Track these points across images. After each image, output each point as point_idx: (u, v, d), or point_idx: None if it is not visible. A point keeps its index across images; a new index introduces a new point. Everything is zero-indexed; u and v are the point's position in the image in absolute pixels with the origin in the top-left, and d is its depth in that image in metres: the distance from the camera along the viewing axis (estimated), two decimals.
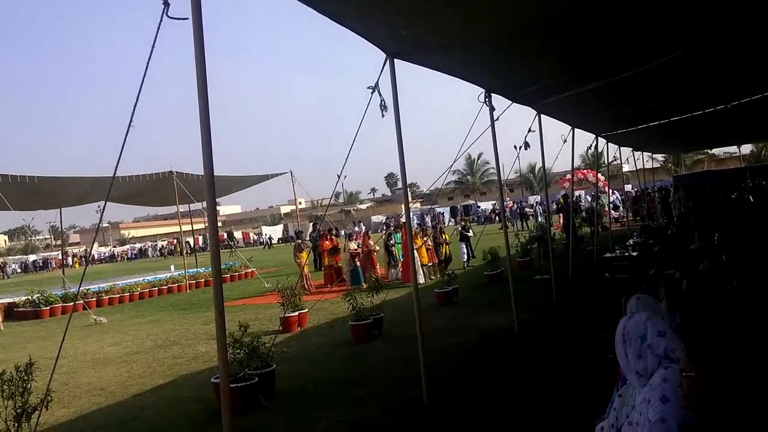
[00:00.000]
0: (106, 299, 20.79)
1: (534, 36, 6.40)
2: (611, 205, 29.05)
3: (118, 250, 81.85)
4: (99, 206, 29.77)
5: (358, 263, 17.54)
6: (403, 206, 7.74)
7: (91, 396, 8.52)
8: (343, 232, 21.42)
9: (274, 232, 75.75)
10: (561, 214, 25.85)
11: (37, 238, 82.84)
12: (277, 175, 27.68)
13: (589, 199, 35.81)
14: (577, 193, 36.12)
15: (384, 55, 6.35)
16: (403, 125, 6.58)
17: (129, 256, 75.78)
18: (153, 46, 4.31)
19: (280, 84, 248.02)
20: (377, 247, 18.30)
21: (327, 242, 19.36)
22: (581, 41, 6.97)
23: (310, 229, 24.99)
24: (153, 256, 70.41)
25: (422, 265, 17.00)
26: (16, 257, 74.13)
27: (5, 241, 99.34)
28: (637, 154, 25.79)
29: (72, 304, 17.73)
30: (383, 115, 6.38)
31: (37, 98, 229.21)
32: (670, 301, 4.45)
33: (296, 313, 11.65)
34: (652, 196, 29.13)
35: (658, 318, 2.96)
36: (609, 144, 19.09)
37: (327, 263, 19.14)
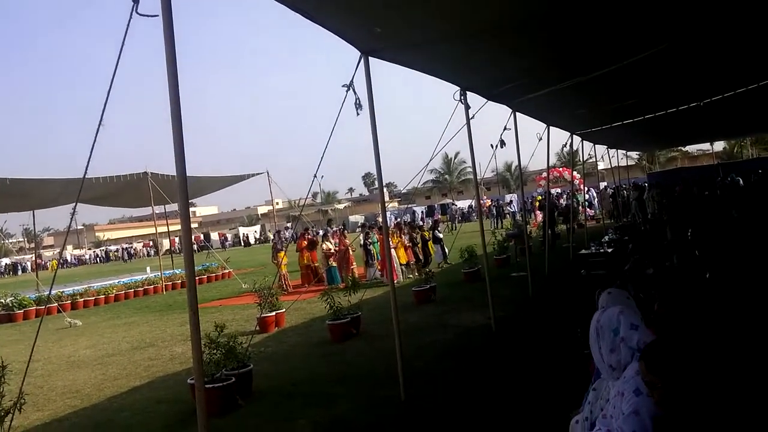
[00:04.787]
0: (81, 302, 20.42)
1: (507, 33, 6.43)
2: (586, 202, 29.30)
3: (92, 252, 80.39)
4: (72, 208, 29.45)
5: (333, 263, 17.49)
6: (380, 205, 7.72)
7: (66, 399, 8.38)
8: (321, 232, 21.23)
9: (251, 232, 75.27)
10: (539, 212, 26.04)
11: (11, 241, 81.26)
12: (253, 175, 27.30)
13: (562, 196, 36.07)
14: (554, 190, 36.40)
15: (358, 53, 6.34)
16: (379, 124, 6.56)
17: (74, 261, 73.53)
18: (123, 44, 4.23)
19: (254, 83, 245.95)
20: (354, 247, 18.24)
21: (304, 241, 19.16)
22: (555, 39, 7.03)
23: (286, 233, 24.61)
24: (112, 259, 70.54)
25: (400, 264, 17.00)
26: None
27: None
28: (612, 151, 26.08)
29: (46, 307, 17.44)
30: (358, 114, 6.36)
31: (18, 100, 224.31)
32: (639, 294, 4.51)
33: (273, 313, 11.59)
34: (626, 194, 29.37)
35: (631, 311, 2.99)
36: (584, 142, 19.26)
37: (304, 263, 18.99)
